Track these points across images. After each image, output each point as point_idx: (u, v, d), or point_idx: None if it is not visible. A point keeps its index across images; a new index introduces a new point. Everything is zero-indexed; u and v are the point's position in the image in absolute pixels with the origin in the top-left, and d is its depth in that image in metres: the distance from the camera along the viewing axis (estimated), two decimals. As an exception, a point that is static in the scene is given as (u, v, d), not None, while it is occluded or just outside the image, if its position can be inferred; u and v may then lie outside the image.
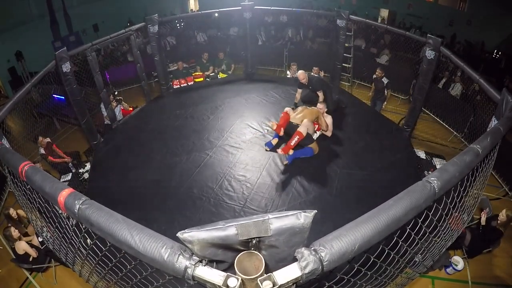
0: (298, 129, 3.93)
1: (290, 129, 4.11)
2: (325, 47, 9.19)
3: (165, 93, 6.39)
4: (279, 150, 3.96)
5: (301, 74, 4.91)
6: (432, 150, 5.54)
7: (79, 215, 1.15)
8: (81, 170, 4.83)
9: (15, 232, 3.92)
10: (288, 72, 7.10)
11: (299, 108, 4.45)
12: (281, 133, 4.11)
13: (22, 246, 3.87)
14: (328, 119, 4.57)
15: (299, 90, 5.23)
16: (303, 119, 4.08)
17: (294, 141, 3.89)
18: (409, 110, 5.14)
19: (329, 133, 4.62)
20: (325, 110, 4.60)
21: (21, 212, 4.40)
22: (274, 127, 4.05)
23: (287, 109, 4.42)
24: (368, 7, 13.29)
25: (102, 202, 1.16)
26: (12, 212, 4.29)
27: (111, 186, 4.07)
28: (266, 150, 4.37)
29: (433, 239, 1.90)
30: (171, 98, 6.22)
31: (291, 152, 4.01)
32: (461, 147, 6.19)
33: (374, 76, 6.11)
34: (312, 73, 6.72)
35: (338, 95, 5.96)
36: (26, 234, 4.32)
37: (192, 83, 7.13)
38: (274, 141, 4.28)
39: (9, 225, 4.12)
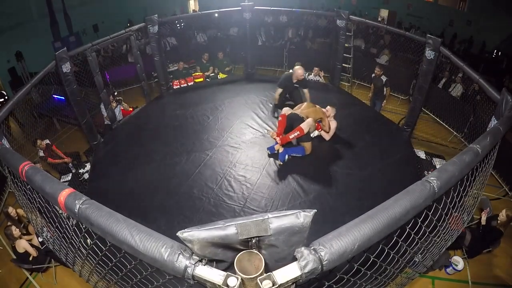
0: (300, 125, 3.93)
1: (293, 120, 4.08)
2: (325, 47, 9.19)
3: (165, 93, 6.39)
4: (278, 140, 3.97)
5: (299, 69, 4.99)
6: (432, 150, 5.54)
7: (79, 215, 1.15)
8: (81, 171, 4.84)
9: (16, 231, 3.93)
10: (290, 71, 7.09)
11: (305, 104, 4.41)
12: (280, 142, 4.03)
13: (22, 244, 3.88)
14: (333, 124, 4.52)
15: (279, 90, 5.23)
16: (308, 116, 4.09)
17: (293, 135, 3.91)
18: (409, 110, 5.14)
19: (327, 137, 4.55)
20: (333, 114, 4.54)
21: (20, 211, 4.40)
22: (274, 136, 4.00)
23: (284, 110, 4.32)
24: (368, 7, 13.31)
25: (102, 202, 1.17)
26: (11, 211, 4.29)
27: (111, 186, 4.07)
28: (268, 154, 4.30)
29: (433, 239, 1.90)
30: (171, 98, 6.22)
31: (281, 149, 3.99)
32: (461, 147, 6.19)
33: (373, 75, 6.12)
34: (312, 74, 6.77)
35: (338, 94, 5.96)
36: (26, 234, 4.31)
37: (192, 83, 7.13)
38: (277, 147, 4.17)
39: (9, 224, 4.12)
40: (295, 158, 4.20)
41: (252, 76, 6.81)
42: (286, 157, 4.10)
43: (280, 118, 4.16)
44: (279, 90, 5.20)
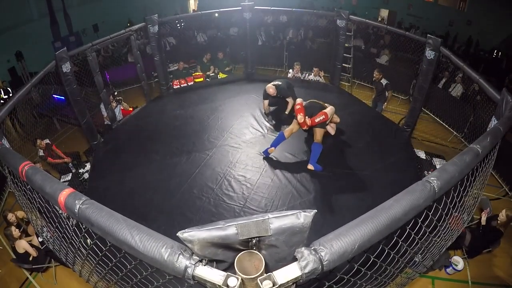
0: (325, 110, 3.93)
1: (313, 108, 4.02)
2: (325, 47, 9.19)
3: (165, 93, 6.39)
4: (308, 121, 3.89)
5: (270, 88, 4.94)
6: (432, 150, 5.53)
7: (79, 215, 1.15)
8: (81, 170, 4.83)
9: (15, 231, 3.92)
10: (290, 71, 7.09)
11: (309, 100, 4.33)
12: (310, 123, 3.93)
13: (22, 245, 3.87)
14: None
15: (265, 101, 5.24)
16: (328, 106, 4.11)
17: (319, 119, 3.88)
18: (409, 110, 5.15)
19: (332, 131, 4.65)
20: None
21: (20, 214, 4.38)
22: (302, 120, 3.90)
23: (299, 100, 4.23)
24: (368, 7, 13.30)
25: (102, 202, 1.17)
26: (11, 217, 4.23)
27: (111, 186, 4.07)
28: (268, 154, 4.28)
29: (433, 239, 1.90)
30: (171, 98, 6.22)
31: (311, 167, 3.95)
32: (461, 147, 6.18)
33: (373, 78, 6.12)
34: (312, 74, 6.77)
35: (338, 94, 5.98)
36: (26, 235, 4.31)
37: (192, 83, 7.13)
38: (271, 150, 4.22)
39: (8, 226, 4.10)
40: (294, 157, 4.23)
41: (252, 76, 6.81)
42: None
43: (298, 106, 4.02)
44: (266, 101, 5.22)
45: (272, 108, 5.40)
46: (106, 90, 5.25)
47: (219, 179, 3.99)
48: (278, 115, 5.24)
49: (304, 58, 7.62)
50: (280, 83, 5.05)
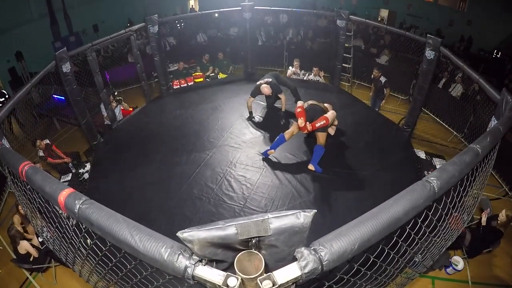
0: (326, 115, 3.92)
1: (314, 111, 3.99)
2: (325, 47, 9.19)
3: (165, 93, 6.39)
4: (309, 126, 3.88)
5: (265, 88, 4.82)
6: (432, 150, 5.54)
7: (79, 215, 1.15)
8: (81, 170, 4.83)
9: (19, 227, 3.93)
10: (290, 68, 7.06)
11: (311, 101, 4.34)
12: (310, 128, 3.91)
13: (24, 246, 3.88)
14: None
15: (252, 98, 5.10)
16: (330, 109, 4.10)
17: (319, 123, 3.86)
18: (409, 110, 5.15)
19: (332, 132, 4.64)
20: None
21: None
22: (303, 125, 3.90)
23: (299, 103, 4.21)
24: (368, 7, 13.30)
25: (102, 202, 1.17)
26: (21, 208, 4.27)
27: (111, 186, 4.07)
28: (268, 155, 4.26)
29: (433, 239, 1.90)
30: (171, 98, 6.22)
31: (312, 167, 3.97)
32: (461, 147, 6.18)
33: (372, 76, 6.14)
34: (311, 74, 6.77)
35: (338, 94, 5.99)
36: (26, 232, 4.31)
37: (192, 83, 7.13)
38: (270, 152, 4.20)
39: (12, 224, 4.11)
40: (294, 157, 4.21)
41: (252, 76, 6.81)
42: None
43: (299, 110, 4.01)
44: (251, 99, 5.09)
45: (269, 108, 5.39)
46: (106, 90, 5.24)
47: (219, 179, 3.99)
48: (276, 114, 5.24)
49: (304, 58, 7.61)
50: (270, 79, 4.92)
